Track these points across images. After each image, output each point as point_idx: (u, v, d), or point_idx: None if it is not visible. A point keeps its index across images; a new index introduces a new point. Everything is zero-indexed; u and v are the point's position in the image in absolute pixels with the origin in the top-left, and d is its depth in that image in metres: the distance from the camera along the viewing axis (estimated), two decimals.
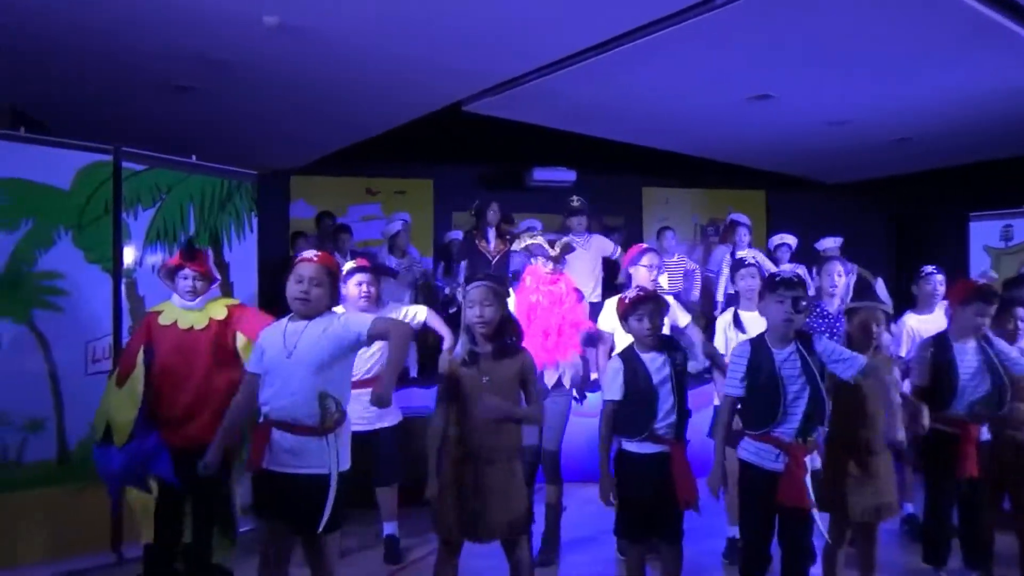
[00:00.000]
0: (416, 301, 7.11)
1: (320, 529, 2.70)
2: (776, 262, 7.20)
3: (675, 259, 7.40)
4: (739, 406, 3.10)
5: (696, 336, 4.03)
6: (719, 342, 4.14)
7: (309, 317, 2.81)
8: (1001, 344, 3.54)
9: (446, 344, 3.91)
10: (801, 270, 6.68)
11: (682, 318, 4.01)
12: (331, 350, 2.76)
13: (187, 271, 3.49)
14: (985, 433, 3.53)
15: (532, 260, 4.03)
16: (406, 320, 3.94)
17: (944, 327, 3.73)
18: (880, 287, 3.45)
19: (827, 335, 4.08)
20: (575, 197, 6.79)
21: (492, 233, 6.86)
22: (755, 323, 3.86)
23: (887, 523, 3.49)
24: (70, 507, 3.88)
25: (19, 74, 5.26)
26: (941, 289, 4.63)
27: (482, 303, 2.89)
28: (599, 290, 6.59)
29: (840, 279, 4.50)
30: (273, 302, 3.81)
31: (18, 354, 3.81)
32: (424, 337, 7.38)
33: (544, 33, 4.71)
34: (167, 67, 5.17)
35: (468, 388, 2.92)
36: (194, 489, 3.29)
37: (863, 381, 3.05)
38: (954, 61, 5.13)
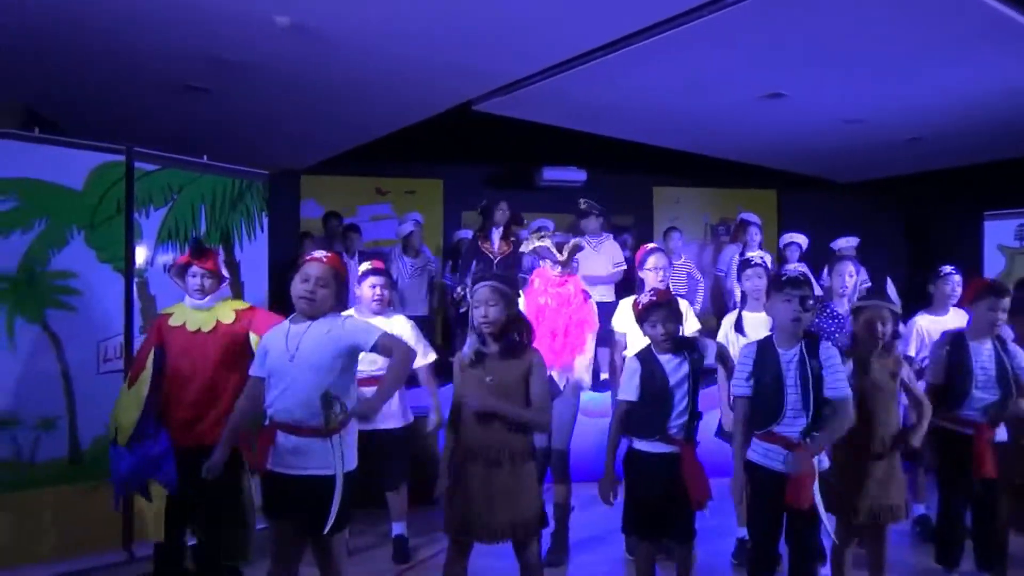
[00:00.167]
0: (431, 301, 7.17)
1: (326, 530, 2.71)
2: (785, 261, 7.17)
3: (681, 261, 7.36)
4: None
5: (709, 346, 4.00)
6: (720, 341, 4.14)
7: (313, 317, 2.82)
8: (1016, 351, 3.50)
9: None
10: (803, 267, 6.66)
11: (691, 324, 4.00)
12: (333, 352, 2.77)
13: (196, 269, 3.51)
14: (1001, 434, 3.50)
15: (541, 262, 4.04)
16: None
17: (956, 328, 3.71)
18: (889, 287, 3.42)
19: (837, 335, 4.09)
20: (583, 200, 6.77)
21: (497, 233, 6.85)
22: (757, 326, 3.87)
23: (899, 524, 3.47)
24: (81, 506, 3.90)
25: (33, 75, 5.31)
26: (959, 291, 4.53)
27: (487, 303, 2.88)
28: (612, 291, 6.57)
29: (851, 279, 4.49)
30: (283, 302, 3.82)
31: (31, 353, 3.84)
32: (434, 336, 7.46)
33: (554, 33, 4.70)
34: (179, 68, 5.20)
35: (473, 388, 2.92)
36: (202, 490, 3.30)
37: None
38: (969, 59, 5.08)
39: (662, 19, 4.47)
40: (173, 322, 3.52)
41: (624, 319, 4.12)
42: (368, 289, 4.05)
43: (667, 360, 3.13)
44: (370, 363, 3.85)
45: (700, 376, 3.16)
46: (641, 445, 3.14)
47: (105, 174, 4.13)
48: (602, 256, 6.59)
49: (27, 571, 3.73)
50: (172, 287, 3.75)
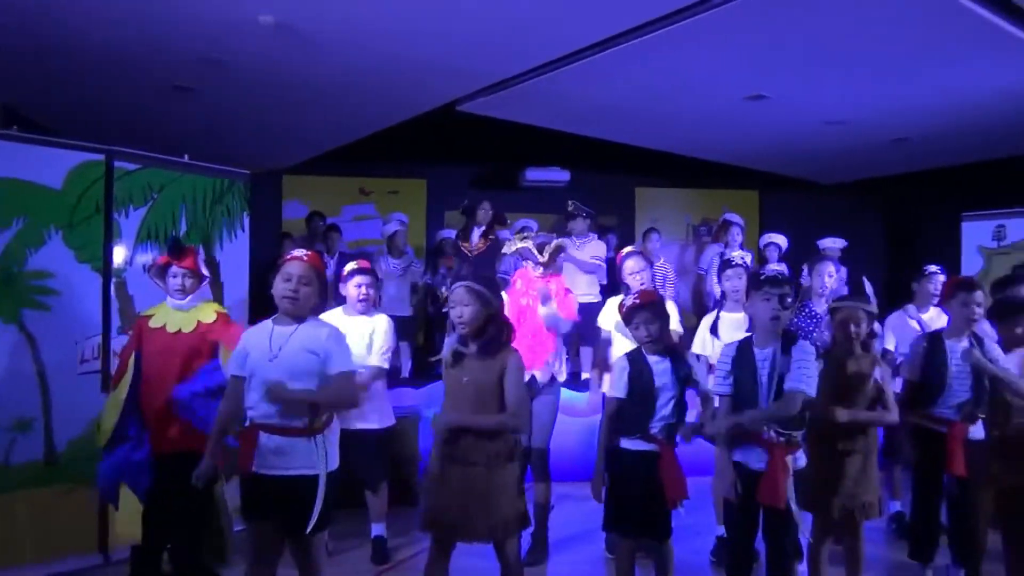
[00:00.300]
0: (413, 301, 7.17)
1: (308, 530, 2.71)
2: (766, 262, 7.23)
3: (659, 263, 7.40)
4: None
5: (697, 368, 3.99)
6: (697, 343, 4.19)
7: (297, 318, 2.81)
8: (994, 350, 3.53)
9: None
10: (782, 267, 6.73)
11: (673, 323, 4.01)
12: (314, 364, 2.76)
13: (176, 269, 3.51)
14: (976, 432, 3.54)
15: (523, 263, 4.05)
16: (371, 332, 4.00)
17: (937, 327, 3.78)
18: (866, 287, 3.47)
19: (815, 334, 4.13)
20: (571, 202, 6.81)
21: (478, 232, 6.87)
22: (733, 327, 3.92)
23: (874, 521, 3.51)
24: (57, 508, 3.87)
25: (13, 73, 5.26)
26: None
27: (461, 303, 2.90)
28: (596, 290, 6.60)
29: (831, 279, 4.54)
30: (264, 303, 3.82)
31: (6, 354, 3.80)
32: (417, 336, 7.45)
33: (538, 34, 4.71)
34: (161, 67, 5.17)
35: (452, 389, 2.94)
36: (177, 493, 3.28)
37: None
38: (949, 62, 5.14)
39: (645, 21, 4.49)
40: (154, 323, 3.51)
41: (609, 318, 4.15)
42: (354, 288, 4.07)
43: (656, 361, 3.17)
44: (360, 357, 3.86)
45: (687, 382, 3.20)
46: (624, 443, 3.18)
47: (84, 173, 4.09)
48: (585, 257, 6.62)
49: (2, 575, 3.70)
50: (152, 288, 3.74)
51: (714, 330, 4.13)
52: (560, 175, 8.58)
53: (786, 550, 2.99)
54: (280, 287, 2.80)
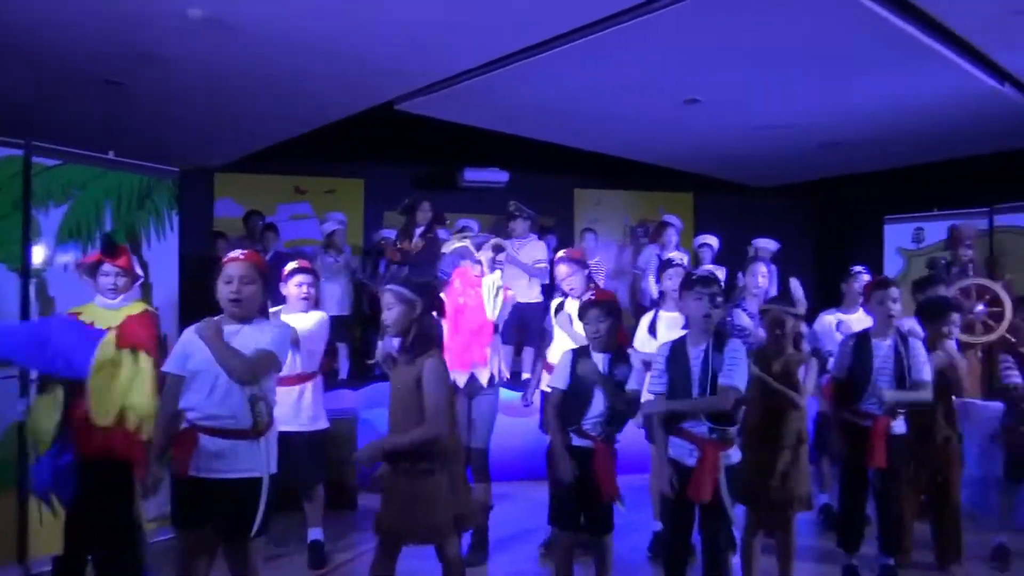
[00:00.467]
0: (351, 300, 7.09)
1: (252, 534, 2.67)
2: (700, 262, 7.39)
3: (594, 262, 7.49)
4: None
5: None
6: (637, 342, 4.25)
7: (243, 319, 2.77)
8: (915, 348, 3.68)
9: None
10: (721, 272, 6.90)
11: None
12: None
13: (108, 267, 3.42)
14: (899, 427, 3.68)
15: (461, 262, 4.06)
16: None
17: (865, 326, 3.93)
18: (795, 288, 3.58)
19: (747, 333, 4.25)
20: (512, 203, 6.83)
21: (418, 232, 6.85)
22: (672, 325, 4.00)
23: (805, 513, 3.63)
24: None
25: None
26: None
27: (387, 307, 2.91)
28: (537, 290, 6.62)
29: (764, 280, 4.68)
30: (195, 303, 3.71)
31: None
32: (354, 337, 7.36)
33: (476, 34, 4.71)
34: (86, 59, 4.97)
35: (391, 392, 2.96)
36: (102, 500, 3.16)
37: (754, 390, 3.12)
38: (872, 71, 5.34)
39: (584, 24, 4.53)
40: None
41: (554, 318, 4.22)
42: (295, 288, 4.06)
43: (599, 359, 3.24)
44: (288, 367, 3.81)
45: (621, 386, 3.23)
46: None
47: (0, 169, 3.90)
48: (524, 258, 6.65)
49: None
50: (74, 288, 3.61)
51: (652, 329, 4.21)
52: (499, 176, 8.60)
53: (720, 544, 3.07)
54: (222, 291, 2.76)
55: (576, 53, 4.91)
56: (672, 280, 4.26)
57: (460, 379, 3.94)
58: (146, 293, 4.32)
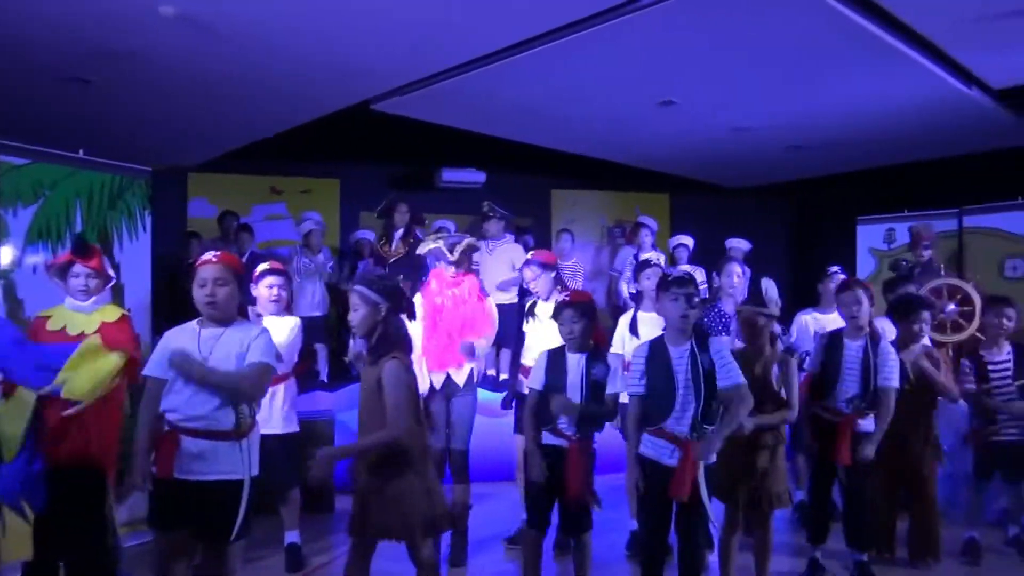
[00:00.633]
0: (326, 299, 7.03)
1: (233, 536, 2.65)
2: (676, 263, 7.44)
3: (571, 263, 7.51)
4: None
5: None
6: (616, 342, 4.27)
7: (222, 322, 2.75)
8: (885, 349, 3.73)
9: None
10: (700, 272, 6.95)
11: None
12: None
13: (79, 268, 3.36)
14: (867, 424, 3.73)
15: (436, 263, 4.06)
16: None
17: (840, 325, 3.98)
18: (770, 288, 3.61)
19: (724, 333, 4.28)
20: (486, 203, 6.83)
21: (397, 236, 6.80)
22: (651, 325, 4.01)
23: (782, 511, 3.66)
24: None
25: None
26: None
27: (353, 308, 2.90)
28: (514, 291, 6.63)
29: (739, 280, 4.71)
30: (168, 305, 3.66)
31: None
32: (330, 338, 7.30)
33: (452, 34, 4.69)
34: (57, 57, 4.88)
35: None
36: (73, 506, 3.11)
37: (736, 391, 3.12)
38: (843, 76, 5.41)
39: (561, 24, 4.54)
40: (51, 326, 3.34)
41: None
42: (265, 289, 4.01)
43: (574, 360, 3.25)
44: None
45: (601, 382, 3.25)
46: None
47: None
48: (499, 259, 6.65)
49: None
50: (43, 290, 3.55)
51: (633, 329, 4.22)
52: (476, 176, 8.58)
53: (698, 542, 3.10)
54: (197, 294, 2.74)
55: (552, 54, 4.92)
56: (651, 280, 4.28)
57: (437, 380, 3.94)
58: (118, 295, 4.26)
